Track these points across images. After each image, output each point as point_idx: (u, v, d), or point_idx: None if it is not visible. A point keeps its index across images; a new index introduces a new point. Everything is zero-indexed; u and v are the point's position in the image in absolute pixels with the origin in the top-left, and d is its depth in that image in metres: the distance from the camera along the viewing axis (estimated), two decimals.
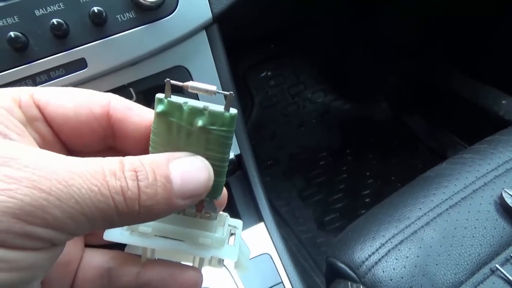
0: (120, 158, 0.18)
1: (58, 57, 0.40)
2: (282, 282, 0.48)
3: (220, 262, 0.23)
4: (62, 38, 0.40)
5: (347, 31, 1.16)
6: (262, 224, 0.53)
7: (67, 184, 0.15)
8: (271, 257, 0.50)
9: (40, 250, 0.16)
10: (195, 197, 0.19)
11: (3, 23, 0.37)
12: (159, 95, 0.19)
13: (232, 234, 0.23)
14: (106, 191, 0.16)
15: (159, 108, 0.19)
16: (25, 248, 0.15)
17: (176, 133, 0.20)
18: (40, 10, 0.38)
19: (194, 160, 0.19)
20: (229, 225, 0.23)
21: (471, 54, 0.99)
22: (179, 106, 0.19)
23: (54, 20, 0.38)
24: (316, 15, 1.04)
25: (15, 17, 0.38)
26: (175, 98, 0.19)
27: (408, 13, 1.04)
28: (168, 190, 0.18)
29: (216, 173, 0.20)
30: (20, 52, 0.38)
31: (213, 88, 0.19)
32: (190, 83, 0.19)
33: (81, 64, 0.41)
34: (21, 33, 0.38)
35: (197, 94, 0.20)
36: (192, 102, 0.19)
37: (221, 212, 0.23)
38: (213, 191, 0.21)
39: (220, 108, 0.19)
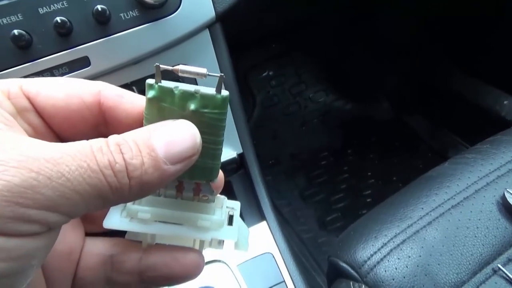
0: (105, 138, 0.18)
1: (61, 55, 0.40)
2: (284, 281, 0.48)
3: (220, 243, 0.23)
4: (65, 36, 0.40)
5: (348, 31, 1.16)
6: (264, 223, 0.53)
7: (56, 163, 0.15)
8: (273, 256, 0.50)
9: (35, 236, 0.15)
10: (185, 160, 0.19)
11: (7, 21, 0.38)
12: (150, 81, 0.19)
13: (230, 216, 0.23)
14: (95, 166, 0.16)
15: (150, 93, 0.19)
16: (19, 234, 0.15)
17: (168, 118, 0.20)
18: (44, 8, 0.39)
19: (176, 123, 0.19)
20: (227, 207, 0.23)
21: (472, 54, 0.99)
22: (170, 91, 0.19)
23: (58, 18, 0.38)
24: (317, 15, 1.04)
25: (19, 15, 0.38)
26: (166, 83, 0.19)
27: (408, 13, 1.04)
28: (154, 158, 0.18)
29: (211, 155, 0.21)
30: (24, 50, 0.39)
31: (203, 70, 0.19)
32: (180, 67, 0.19)
33: (84, 62, 0.41)
34: (24, 31, 0.38)
35: (195, 79, 0.20)
36: (183, 86, 0.19)
37: (218, 195, 0.23)
38: (209, 174, 0.21)
39: (211, 90, 0.19)
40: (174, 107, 0.19)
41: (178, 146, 0.18)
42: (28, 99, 0.20)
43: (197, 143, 0.19)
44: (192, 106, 0.19)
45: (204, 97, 0.19)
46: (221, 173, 0.23)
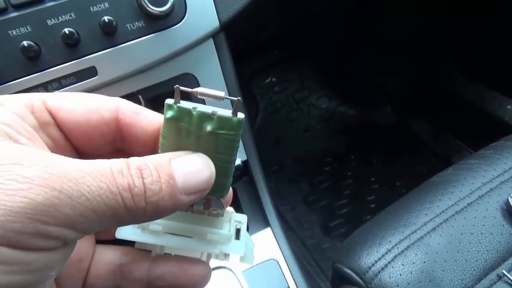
0: (126, 159, 0.18)
1: (69, 65, 0.41)
2: (289, 287, 0.48)
3: (227, 255, 0.24)
4: (73, 46, 0.40)
5: (349, 34, 1.16)
6: (268, 229, 0.53)
7: (77, 182, 0.16)
8: (278, 263, 0.50)
9: (52, 250, 0.16)
10: (199, 193, 0.20)
11: (17, 32, 0.38)
12: (169, 101, 0.20)
13: (237, 229, 0.24)
14: (114, 188, 0.17)
15: (169, 114, 0.20)
16: (38, 248, 0.16)
17: (185, 137, 0.20)
18: (52, 19, 0.39)
19: (195, 157, 0.20)
20: (234, 220, 0.24)
21: (477, 59, 0.99)
22: (188, 112, 0.20)
23: (66, 30, 0.39)
24: (319, 19, 1.05)
25: (27, 26, 0.39)
26: (184, 104, 0.20)
27: (413, 14, 1.05)
28: (172, 187, 0.18)
29: (224, 173, 0.21)
30: (33, 60, 0.39)
31: (221, 94, 0.20)
32: (199, 89, 0.20)
33: (91, 72, 0.42)
34: (33, 42, 0.39)
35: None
36: (201, 108, 0.20)
37: (227, 208, 0.24)
38: (220, 190, 0.22)
39: (228, 113, 0.20)
40: (191, 128, 0.20)
41: (195, 179, 0.19)
42: (50, 113, 0.21)
43: (212, 177, 0.20)
44: (209, 128, 0.20)
45: (221, 119, 0.20)
46: (230, 189, 0.23)
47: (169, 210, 0.19)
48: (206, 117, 0.20)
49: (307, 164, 1.08)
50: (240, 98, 0.20)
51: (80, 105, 0.21)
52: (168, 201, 0.18)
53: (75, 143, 0.22)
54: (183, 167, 0.19)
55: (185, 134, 0.20)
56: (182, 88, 0.20)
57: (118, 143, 0.22)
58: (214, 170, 0.20)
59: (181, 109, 0.20)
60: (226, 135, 0.20)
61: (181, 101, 0.20)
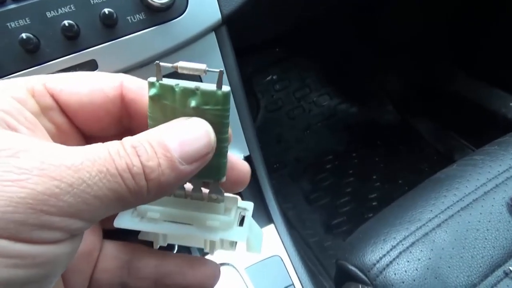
0: (120, 140, 0.18)
1: (69, 59, 0.40)
2: (293, 284, 0.48)
3: (233, 244, 0.23)
4: (73, 39, 0.40)
5: (350, 32, 1.16)
6: (271, 225, 0.53)
7: (76, 169, 0.15)
8: (282, 259, 0.50)
9: (58, 243, 0.16)
10: (201, 158, 0.18)
11: (15, 24, 0.38)
12: (151, 79, 0.19)
13: (243, 216, 0.23)
14: (114, 170, 0.16)
15: (152, 91, 0.19)
16: (43, 241, 0.15)
17: (171, 116, 0.19)
18: (52, 11, 0.39)
19: (188, 121, 0.19)
20: (238, 207, 0.23)
21: (478, 56, 0.99)
22: (171, 88, 0.19)
23: (65, 22, 0.38)
24: (320, 18, 1.04)
25: (26, 19, 0.38)
26: (167, 81, 0.19)
27: (413, 15, 1.04)
28: (169, 158, 0.17)
29: (217, 153, 0.20)
30: (32, 53, 0.39)
31: (202, 66, 0.19)
32: (179, 63, 0.19)
33: (91, 65, 0.41)
34: (32, 34, 0.38)
35: (200, 77, 0.20)
36: (183, 83, 0.19)
37: (231, 195, 0.23)
38: (217, 173, 0.21)
39: (212, 87, 0.19)
40: (176, 105, 0.19)
41: (192, 145, 0.18)
42: (52, 96, 0.20)
43: (212, 140, 0.19)
44: (193, 103, 0.19)
45: (205, 94, 0.19)
46: (247, 166, 0.22)
47: (173, 183, 0.18)
48: (189, 93, 0.19)
49: (308, 162, 1.08)
50: (222, 69, 0.19)
51: (83, 85, 0.20)
52: (169, 175, 0.17)
53: (81, 125, 0.21)
54: (177, 136, 0.18)
55: (170, 113, 0.19)
56: (162, 63, 0.19)
57: (125, 121, 0.22)
58: (211, 131, 0.19)
59: (163, 86, 0.19)
60: (212, 111, 0.19)
61: (164, 79, 0.19)
